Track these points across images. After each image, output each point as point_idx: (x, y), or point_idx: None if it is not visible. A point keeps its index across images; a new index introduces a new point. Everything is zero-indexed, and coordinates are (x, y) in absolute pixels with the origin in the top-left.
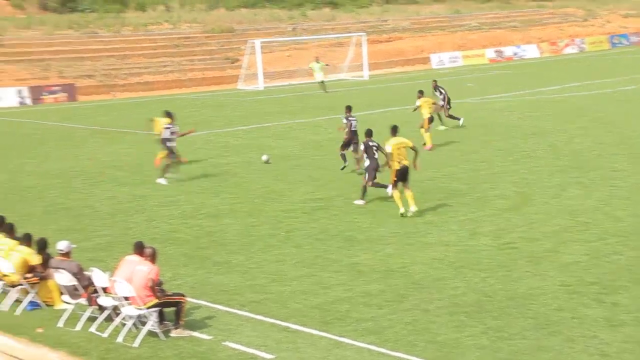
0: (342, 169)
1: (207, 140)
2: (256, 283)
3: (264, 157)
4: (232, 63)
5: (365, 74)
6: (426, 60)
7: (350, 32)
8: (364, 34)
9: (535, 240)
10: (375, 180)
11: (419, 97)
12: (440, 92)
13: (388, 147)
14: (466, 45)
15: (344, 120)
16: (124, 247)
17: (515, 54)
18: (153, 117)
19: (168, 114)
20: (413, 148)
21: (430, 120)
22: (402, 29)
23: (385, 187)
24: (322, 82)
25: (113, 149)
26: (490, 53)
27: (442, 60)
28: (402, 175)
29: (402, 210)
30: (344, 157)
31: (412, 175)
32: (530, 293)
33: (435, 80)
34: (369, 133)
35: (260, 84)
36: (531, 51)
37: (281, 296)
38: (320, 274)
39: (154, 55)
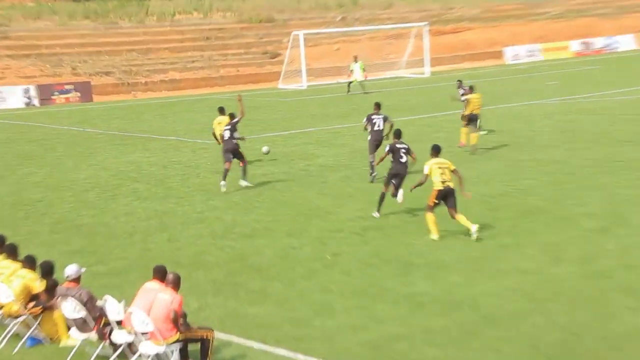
0: (372, 180)
1: (249, 147)
2: (296, 315)
3: (265, 149)
4: (272, 58)
5: (427, 70)
6: (499, 55)
7: (409, 22)
8: (426, 23)
9: (632, 268)
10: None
11: (470, 93)
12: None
13: (426, 168)
14: (547, 37)
15: (364, 120)
16: (143, 272)
17: (606, 46)
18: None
19: (230, 115)
20: (455, 172)
21: (472, 118)
22: (470, 18)
23: (394, 196)
24: (362, 82)
25: (133, 158)
26: (575, 45)
27: (518, 54)
28: (444, 197)
29: (435, 236)
30: (372, 166)
31: (479, 189)
32: (629, 332)
33: (460, 80)
34: (397, 134)
35: (304, 83)
36: (625, 43)
37: (326, 331)
38: (372, 306)
39: (181, 49)
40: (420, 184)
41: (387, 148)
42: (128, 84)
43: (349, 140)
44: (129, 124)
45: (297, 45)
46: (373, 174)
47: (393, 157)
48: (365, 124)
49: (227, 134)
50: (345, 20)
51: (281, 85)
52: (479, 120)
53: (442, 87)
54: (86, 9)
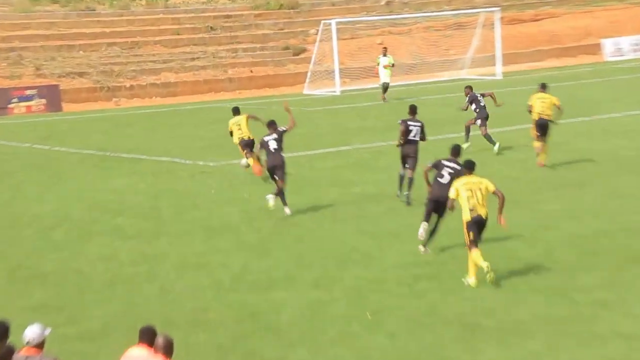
0: (406, 200)
1: (249, 169)
2: None
3: (243, 162)
4: (295, 55)
5: (498, 70)
6: (595, 49)
7: (475, 7)
8: (498, 9)
9: None
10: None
11: (538, 91)
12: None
13: (451, 190)
14: None
15: (400, 125)
16: (126, 335)
17: None
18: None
19: (271, 123)
20: (495, 193)
21: (541, 125)
22: (556, 2)
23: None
24: (387, 85)
25: (114, 185)
26: None
27: (621, 48)
28: (476, 226)
29: (471, 280)
30: (401, 178)
31: (567, 226)
32: None
33: (470, 87)
34: (455, 151)
35: (337, 87)
36: None
37: None
38: None
39: (177, 44)
40: (450, 208)
41: (430, 163)
42: (108, 88)
43: (396, 161)
44: (109, 141)
45: (328, 38)
46: (405, 194)
47: (437, 175)
48: (402, 130)
49: (273, 145)
50: (391, 5)
51: (307, 90)
52: (548, 130)
53: (519, 92)
54: None
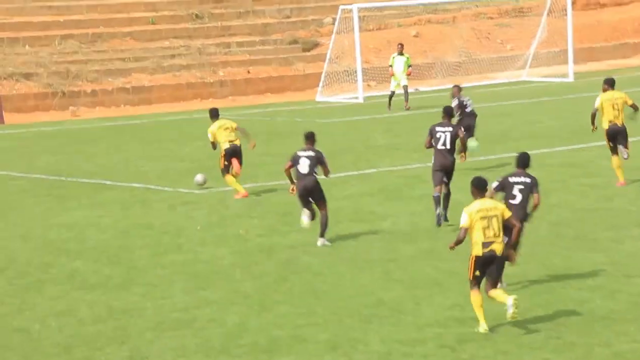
0: (438, 223)
1: (256, 199)
2: None
3: (198, 178)
4: (306, 51)
5: (570, 71)
6: None
7: None
8: None
9: None
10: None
11: (605, 90)
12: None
13: (464, 218)
14: None
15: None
16: None
17: None
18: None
19: (309, 135)
20: (509, 221)
21: (614, 134)
22: None
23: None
24: (405, 87)
25: (72, 219)
26: None
27: None
28: (486, 265)
29: (483, 327)
30: (437, 200)
31: None
32: None
33: (457, 86)
34: (522, 161)
35: (359, 93)
36: None
37: None
38: None
39: (152, 36)
40: (459, 242)
41: (496, 184)
42: (63, 93)
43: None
44: (65, 163)
45: (348, 28)
46: (439, 215)
47: (505, 198)
48: (427, 140)
49: (305, 165)
50: None
51: (321, 97)
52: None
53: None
54: None
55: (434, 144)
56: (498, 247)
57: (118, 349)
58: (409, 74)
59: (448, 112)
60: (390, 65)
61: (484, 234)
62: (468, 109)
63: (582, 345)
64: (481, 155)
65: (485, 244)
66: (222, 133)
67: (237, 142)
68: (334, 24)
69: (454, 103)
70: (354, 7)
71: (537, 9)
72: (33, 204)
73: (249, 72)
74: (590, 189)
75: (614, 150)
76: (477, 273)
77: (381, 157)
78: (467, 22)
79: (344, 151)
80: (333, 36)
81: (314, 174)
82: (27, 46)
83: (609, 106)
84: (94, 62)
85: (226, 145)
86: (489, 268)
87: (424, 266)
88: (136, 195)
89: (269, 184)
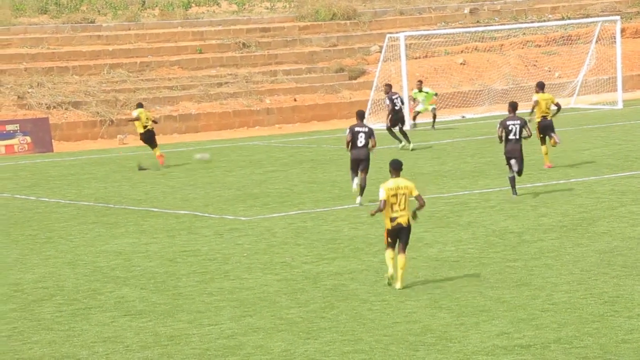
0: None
1: (302, 226)
2: None
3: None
4: (352, 79)
5: (619, 98)
6: None
7: (589, 16)
8: (618, 18)
9: None
10: None
11: (537, 92)
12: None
13: (382, 192)
14: None
15: (498, 127)
16: None
17: None
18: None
19: (360, 113)
20: (418, 198)
21: (544, 127)
22: None
23: None
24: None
25: (119, 246)
26: None
27: None
28: (396, 234)
29: (390, 271)
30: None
31: None
32: None
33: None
34: (512, 107)
35: (407, 119)
36: None
37: None
38: None
39: (200, 65)
40: (379, 210)
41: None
42: (112, 122)
43: (483, 215)
44: (112, 190)
45: (395, 56)
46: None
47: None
48: (500, 131)
49: (362, 138)
50: (477, 14)
51: (369, 123)
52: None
53: None
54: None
55: (505, 134)
56: (404, 220)
57: None
58: (433, 102)
59: (513, 106)
60: (414, 100)
61: (392, 209)
62: (397, 107)
63: None
64: (527, 182)
65: (392, 219)
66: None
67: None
68: (380, 51)
69: (386, 102)
70: (401, 35)
71: (585, 36)
72: (81, 231)
73: (295, 100)
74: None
75: (543, 141)
76: (389, 240)
77: (428, 184)
78: (514, 50)
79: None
80: (379, 64)
81: (366, 147)
82: (75, 75)
83: (543, 104)
84: (142, 91)
85: (143, 129)
86: (398, 236)
87: (470, 293)
88: (182, 223)
89: (315, 211)
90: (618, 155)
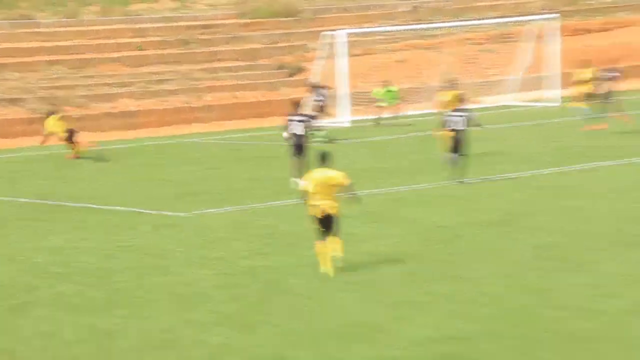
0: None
1: (241, 222)
2: None
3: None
4: (291, 76)
5: (557, 94)
6: None
7: (525, 14)
8: (556, 16)
9: None
10: None
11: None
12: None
13: (304, 182)
14: None
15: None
16: None
17: None
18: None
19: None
20: (347, 188)
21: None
22: (634, 7)
23: None
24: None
25: (57, 242)
26: None
27: None
28: (323, 221)
29: (322, 269)
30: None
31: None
32: None
33: (314, 85)
34: None
35: (345, 117)
36: None
37: None
38: None
39: (140, 62)
40: (304, 198)
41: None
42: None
43: (418, 211)
44: (51, 187)
45: (334, 54)
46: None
47: None
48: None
49: (299, 127)
50: (417, 12)
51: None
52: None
53: (581, 123)
54: None
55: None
56: (328, 208)
57: None
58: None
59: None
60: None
61: (318, 198)
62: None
63: None
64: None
65: (318, 206)
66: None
67: None
68: (320, 49)
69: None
70: (341, 33)
71: (520, 35)
72: (19, 228)
73: (235, 97)
74: (575, 211)
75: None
76: (319, 229)
77: (365, 180)
78: (453, 48)
79: None
80: (319, 61)
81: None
82: (14, 72)
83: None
84: (81, 88)
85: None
86: (327, 224)
87: (404, 287)
88: (121, 219)
89: (255, 206)
90: (555, 152)
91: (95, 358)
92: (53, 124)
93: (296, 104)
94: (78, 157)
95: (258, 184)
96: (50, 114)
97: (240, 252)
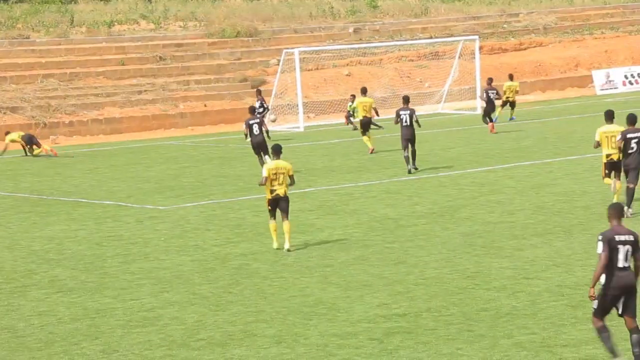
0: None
1: (213, 214)
2: None
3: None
4: (254, 88)
5: (478, 104)
6: (584, 81)
7: (452, 36)
8: (477, 37)
9: None
10: None
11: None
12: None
13: (264, 171)
14: None
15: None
16: None
17: None
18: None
19: (405, 99)
20: (291, 177)
21: (365, 124)
22: (542, 30)
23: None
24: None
25: (52, 232)
26: None
27: (613, 80)
28: (275, 203)
29: (275, 245)
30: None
31: (554, 276)
32: None
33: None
34: (631, 119)
35: (300, 123)
36: None
37: None
38: None
39: (122, 75)
40: (262, 184)
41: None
42: (45, 124)
43: (366, 204)
44: (46, 183)
45: (290, 68)
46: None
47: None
48: (395, 119)
49: (257, 128)
50: (360, 33)
51: (268, 126)
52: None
53: (498, 128)
54: None
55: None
56: (281, 191)
57: (92, 343)
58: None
59: (406, 99)
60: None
61: (272, 184)
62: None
63: (490, 337)
64: (402, 176)
65: (272, 191)
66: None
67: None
68: (278, 64)
69: (257, 104)
70: (296, 50)
71: (450, 52)
72: (18, 219)
73: (205, 105)
74: (496, 204)
75: (364, 133)
76: (270, 208)
77: (319, 178)
78: (391, 64)
79: None
80: (278, 75)
81: (262, 134)
82: (12, 84)
83: (361, 107)
84: (71, 98)
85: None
86: (278, 204)
87: (355, 270)
88: (108, 212)
89: (223, 201)
90: (477, 153)
91: (87, 334)
92: (10, 138)
93: (252, 110)
94: (37, 156)
95: (226, 181)
96: (7, 133)
97: (213, 240)
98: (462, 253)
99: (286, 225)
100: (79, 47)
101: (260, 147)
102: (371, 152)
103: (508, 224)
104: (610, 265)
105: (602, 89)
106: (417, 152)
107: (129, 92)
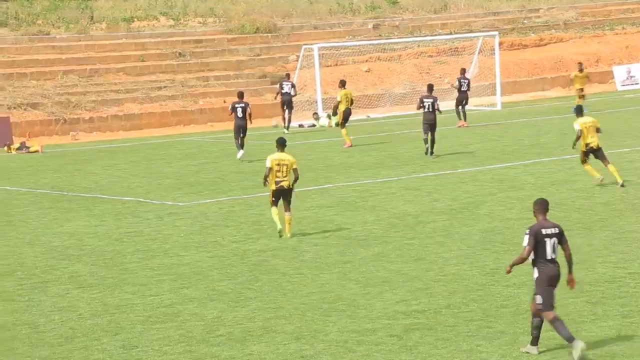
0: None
1: (232, 210)
2: None
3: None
4: (274, 84)
5: (498, 101)
6: (605, 77)
7: (472, 32)
8: (496, 33)
9: None
10: None
11: (341, 88)
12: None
13: (268, 162)
14: None
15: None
16: None
17: None
18: None
19: (429, 86)
20: (294, 171)
21: (347, 115)
22: (562, 25)
23: None
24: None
25: (72, 228)
26: None
27: (635, 76)
28: (279, 195)
29: (279, 226)
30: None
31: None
32: None
33: (240, 91)
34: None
35: (321, 119)
36: None
37: None
38: None
39: (142, 71)
40: (265, 177)
41: None
42: (65, 120)
43: (385, 201)
44: (66, 179)
45: (310, 64)
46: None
47: None
48: (418, 105)
49: (240, 111)
50: (379, 29)
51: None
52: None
53: (519, 124)
54: (1, 12)
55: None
56: (285, 183)
57: (112, 339)
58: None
59: (430, 88)
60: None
61: (276, 176)
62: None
63: (509, 334)
64: (420, 172)
65: (276, 182)
66: None
67: None
68: (297, 61)
69: (287, 86)
70: (315, 46)
71: (469, 48)
72: (39, 215)
73: (224, 101)
74: (515, 201)
75: (343, 125)
76: (273, 199)
77: (339, 174)
78: (410, 60)
79: (306, 169)
80: (297, 71)
81: (245, 117)
82: (33, 80)
83: (344, 99)
84: (91, 94)
85: None
86: (281, 195)
87: (375, 267)
88: (128, 208)
89: (243, 197)
90: (496, 149)
91: (107, 329)
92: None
93: (240, 94)
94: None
95: (245, 177)
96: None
97: (232, 236)
98: (482, 249)
99: (288, 216)
100: (99, 44)
101: (240, 130)
102: (349, 146)
103: (528, 220)
104: (541, 258)
105: (623, 85)
106: (437, 147)
107: (148, 88)
